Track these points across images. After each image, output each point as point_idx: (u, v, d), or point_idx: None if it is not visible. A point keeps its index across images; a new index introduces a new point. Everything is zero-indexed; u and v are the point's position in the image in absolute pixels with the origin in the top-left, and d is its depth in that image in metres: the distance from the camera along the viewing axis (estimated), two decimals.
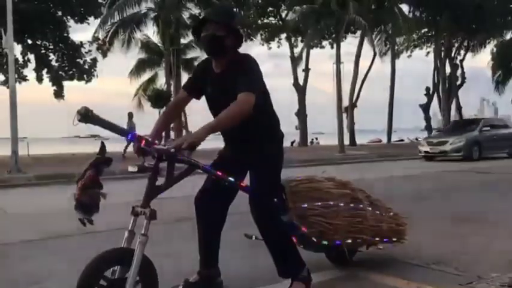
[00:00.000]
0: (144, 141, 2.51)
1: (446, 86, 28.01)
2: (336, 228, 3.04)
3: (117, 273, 2.37)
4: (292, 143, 35.64)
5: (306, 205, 3.04)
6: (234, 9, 3.16)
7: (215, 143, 4.65)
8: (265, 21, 31.12)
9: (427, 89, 35.28)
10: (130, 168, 2.45)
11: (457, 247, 4.04)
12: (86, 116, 2.29)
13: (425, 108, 35.75)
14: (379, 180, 9.89)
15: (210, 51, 2.81)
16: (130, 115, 18.25)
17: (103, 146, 2.50)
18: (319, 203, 3.07)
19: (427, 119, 36.48)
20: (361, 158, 18.03)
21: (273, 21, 31.55)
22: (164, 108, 22.97)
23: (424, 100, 35.46)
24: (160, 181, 2.51)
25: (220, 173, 2.78)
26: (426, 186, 8.86)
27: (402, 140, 44.04)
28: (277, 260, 2.89)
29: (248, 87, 2.58)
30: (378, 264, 3.50)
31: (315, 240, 3.02)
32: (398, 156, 18.77)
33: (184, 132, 20.78)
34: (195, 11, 23.55)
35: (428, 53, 34.97)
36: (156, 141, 2.66)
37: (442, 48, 27.36)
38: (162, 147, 2.45)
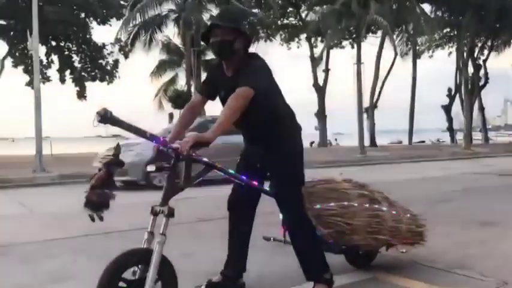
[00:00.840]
0: (162, 142, 2.54)
1: (469, 86, 27.53)
2: (354, 229, 3.02)
3: (138, 274, 2.40)
4: (311, 143, 35.53)
5: (323, 205, 3.03)
6: (246, 9, 3.15)
7: None
8: (285, 21, 31.09)
9: (449, 89, 34.84)
10: (149, 168, 2.50)
11: (481, 251, 3.98)
12: (105, 117, 2.32)
13: (447, 109, 35.29)
14: (400, 182, 9.80)
15: (220, 55, 2.85)
16: (171, 115, 18.67)
17: (118, 147, 2.53)
18: (337, 203, 3.05)
19: (449, 120, 36.02)
20: (382, 159, 17.86)
21: (293, 22, 31.49)
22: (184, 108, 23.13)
23: (446, 101, 35.02)
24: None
25: (237, 174, 2.82)
26: (447, 188, 8.74)
27: (423, 142, 43.49)
28: (303, 261, 2.90)
29: (246, 82, 2.62)
30: (399, 268, 3.47)
31: (332, 240, 3.01)
32: (420, 158, 18.55)
33: None
34: (216, 12, 23.64)
35: (450, 53, 34.55)
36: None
37: (465, 48, 26.89)
38: (177, 146, 2.47)
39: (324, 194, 3.09)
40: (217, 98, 2.99)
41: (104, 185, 2.46)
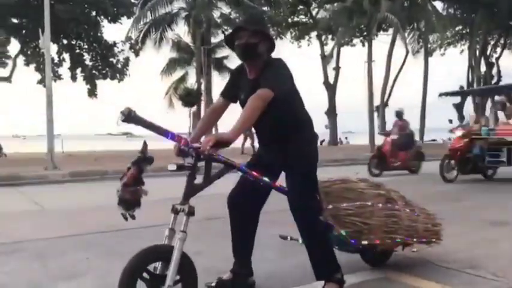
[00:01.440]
0: (183, 141, 2.57)
1: (481, 84, 27.27)
2: (371, 228, 3.03)
3: (159, 270, 2.43)
4: (321, 142, 35.44)
5: (340, 205, 3.04)
6: (262, 13, 3.19)
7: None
8: (296, 19, 31.03)
9: (461, 88, 34.52)
10: (170, 167, 2.53)
11: (492, 251, 3.95)
12: (129, 116, 2.36)
13: (459, 107, 34.99)
14: (411, 181, 9.75)
15: (245, 57, 2.88)
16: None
17: (145, 145, 2.56)
18: (354, 203, 3.06)
19: (461, 118, 35.71)
20: None
21: (304, 20, 31.41)
22: (195, 107, 23.27)
23: (458, 99, 34.72)
24: (198, 179, 2.57)
25: (255, 173, 2.82)
26: (459, 187, 8.67)
27: (435, 140, 43.16)
28: (314, 261, 2.89)
29: (266, 84, 2.64)
30: (411, 267, 3.45)
31: (350, 240, 3.00)
32: (431, 156, 18.39)
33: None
34: (226, 10, 23.68)
35: (462, 51, 34.22)
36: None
37: (477, 46, 26.68)
38: (196, 146, 2.54)
39: (340, 193, 3.12)
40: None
41: (136, 182, 2.50)
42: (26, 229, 5.25)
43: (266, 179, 2.83)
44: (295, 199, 2.82)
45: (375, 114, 24.55)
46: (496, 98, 11.53)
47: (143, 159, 2.52)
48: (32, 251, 4.21)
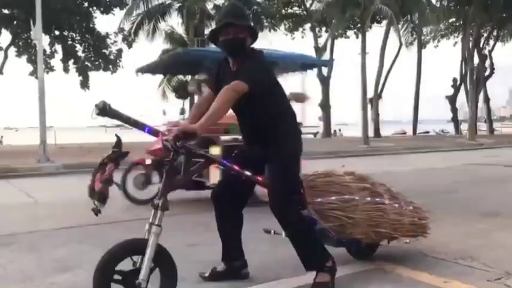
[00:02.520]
0: (160, 135, 2.54)
1: (474, 77, 27.37)
2: (355, 222, 3.03)
3: (138, 264, 2.42)
4: (315, 134, 35.47)
5: (324, 199, 3.03)
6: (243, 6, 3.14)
7: None
8: (290, 11, 30.91)
9: (454, 80, 34.65)
10: (147, 161, 2.51)
11: (485, 242, 3.98)
12: (104, 109, 2.33)
13: (452, 99, 35.13)
14: (404, 173, 9.80)
15: (232, 54, 2.86)
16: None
17: (119, 140, 2.52)
18: (338, 197, 3.05)
19: (454, 110, 35.87)
20: (386, 150, 17.82)
21: (297, 11, 31.31)
22: (187, 99, 23.19)
23: (451, 91, 34.85)
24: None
25: (237, 167, 2.80)
26: (452, 179, 8.73)
27: (428, 132, 43.38)
28: (300, 253, 2.89)
29: (242, 77, 2.63)
30: (404, 258, 3.47)
31: (333, 234, 3.00)
32: (424, 148, 18.51)
33: None
34: (219, 1, 23.53)
35: (455, 43, 34.29)
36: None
37: (471, 38, 26.67)
38: (166, 137, 2.48)
39: (324, 187, 3.10)
40: None
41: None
42: (20, 222, 5.24)
43: (248, 173, 2.81)
44: (274, 193, 2.79)
45: (369, 106, 24.57)
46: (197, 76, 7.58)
47: (119, 154, 2.49)
48: (26, 244, 4.20)
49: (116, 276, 2.38)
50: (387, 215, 3.16)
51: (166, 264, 2.48)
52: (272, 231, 3.30)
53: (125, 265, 2.43)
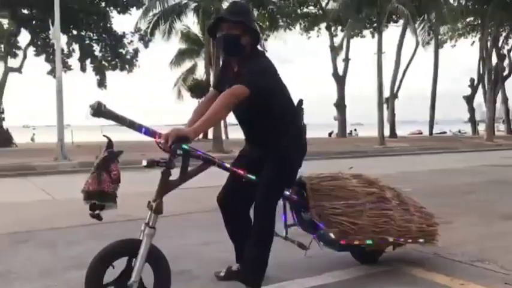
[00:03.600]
0: (157, 136, 2.49)
1: (492, 77, 26.98)
2: (359, 229, 2.94)
3: (126, 264, 2.41)
4: (330, 134, 35.36)
5: (327, 203, 2.95)
6: (248, 6, 3.01)
7: None
8: (305, 10, 30.83)
9: (472, 80, 34.22)
10: (143, 162, 2.44)
11: (502, 244, 3.93)
12: (99, 110, 2.28)
13: (470, 100, 34.69)
14: (420, 174, 9.71)
15: (226, 51, 2.80)
16: None
17: (110, 140, 2.45)
18: (342, 202, 2.96)
19: (471, 111, 35.42)
20: (402, 150, 17.68)
21: (313, 11, 31.21)
22: (202, 98, 23.25)
23: (468, 91, 34.42)
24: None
25: (235, 169, 2.78)
26: (469, 180, 8.62)
27: (444, 132, 42.95)
28: (248, 260, 2.79)
29: (243, 80, 2.55)
30: (419, 260, 3.45)
31: (335, 239, 2.93)
32: (441, 149, 18.32)
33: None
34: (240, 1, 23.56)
35: (473, 42, 33.85)
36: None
37: (489, 38, 26.31)
38: (160, 140, 2.43)
39: (329, 191, 3.01)
40: None
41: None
42: (38, 219, 5.32)
43: (250, 175, 2.77)
44: (261, 192, 2.73)
45: (384, 106, 24.40)
46: None
47: (116, 154, 2.44)
48: (44, 240, 4.27)
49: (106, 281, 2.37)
50: (394, 221, 3.06)
51: (158, 264, 2.47)
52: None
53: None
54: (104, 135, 2.50)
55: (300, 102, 12.92)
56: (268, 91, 2.69)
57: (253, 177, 2.78)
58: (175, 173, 2.49)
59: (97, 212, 2.41)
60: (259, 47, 2.85)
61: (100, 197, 2.37)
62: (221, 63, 3.06)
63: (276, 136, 2.79)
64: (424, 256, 3.53)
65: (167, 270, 2.50)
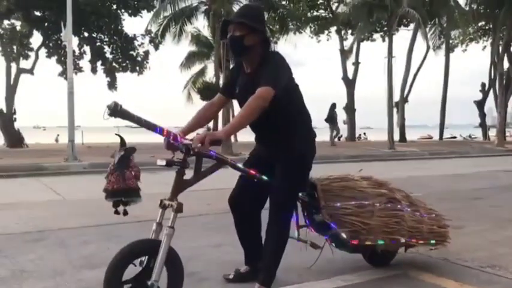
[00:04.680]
0: (172, 136, 2.53)
1: (504, 81, 26.75)
2: (370, 229, 2.95)
3: (145, 264, 2.44)
4: (339, 137, 35.23)
5: (338, 204, 2.97)
6: (260, 8, 3.04)
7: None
8: (315, 13, 30.81)
9: (483, 85, 33.96)
10: (159, 162, 2.49)
11: None
12: (115, 110, 2.31)
13: (480, 104, 34.43)
14: (430, 178, 9.66)
15: (233, 52, 2.84)
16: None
17: (122, 139, 2.54)
18: (353, 202, 2.98)
19: (482, 116, 35.15)
20: (412, 155, 17.57)
21: (323, 14, 31.18)
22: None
23: (479, 96, 34.16)
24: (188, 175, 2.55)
25: (247, 169, 2.81)
26: (480, 185, 8.56)
27: (455, 137, 42.60)
28: (266, 263, 2.83)
29: (267, 82, 2.57)
30: (428, 265, 3.44)
31: (347, 240, 2.94)
32: (451, 154, 18.20)
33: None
34: (246, 3, 23.64)
35: (485, 47, 33.61)
36: (184, 137, 2.67)
37: (500, 42, 26.09)
38: (188, 141, 2.48)
39: (340, 192, 3.03)
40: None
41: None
42: (49, 219, 5.37)
43: (264, 176, 2.80)
44: (277, 195, 2.77)
45: (394, 110, 24.29)
46: None
47: (130, 151, 2.51)
48: (56, 240, 4.31)
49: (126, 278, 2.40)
50: (404, 222, 3.07)
51: (174, 265, 2.50)
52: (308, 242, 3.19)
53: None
54: (116, 134, 2.58)
55: (334, 105, 13.02)
56: (287, 89, 2.74)
57: (265, 177, 2.82)
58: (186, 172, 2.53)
59: (122, 208, 2.51)
60: (274, 48, 2.89)
61: (127, 194, 2.47)
62: (231, 66, 3.10)
63: (290, 136, 2.82)
64: (433, 261, 3.52)
65: (181, 273, 2.53)
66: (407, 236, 3.09)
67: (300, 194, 3.01)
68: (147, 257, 2.44)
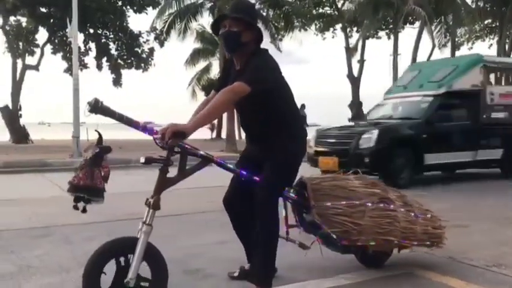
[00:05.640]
0: (148, 132, 2.50)
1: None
2: (362, 229, 2.89)
3: (125, 262, 2.43)
4: None
5: (329, 204, 2.91)
6: (253, 4, 3.00)
7: None
8: (321, 11, 30.72)
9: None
10: (141, 159, 2.46)
11: None
12: (96, 107, 2.31)
13: None
14: (435, 177, 9.62)
15: (227, 47, 2.80)
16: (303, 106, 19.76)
17: (100, 136, 2.49)
18: (343, 202, 2.92)
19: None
20: None
21: (329, 11, 31.10)
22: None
23: None
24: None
25: (234, 168, 2.78)
26: (484, 184, 8.53)
27: None
28: (261, 262, 2.77)
29: (244, 78, 2.53)
30: (434, 263, 3.43)
31: (337, 240, 2.91)
32: None
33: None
34: (251, 1, 23.61)
35: (491, 45, 33.43)
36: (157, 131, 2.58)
37: (507, 40, 25.97)
38: (157, 136, 2.44)
39: (331, 191, 2.97)
40: None
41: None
42: (54, 214, 5.39)
43: (244, 172, 2.76)
44: (261, 192, 2.69)
45: None
46: None
47: (105, 150, 2.45)
48: (60, 236, 4.33)
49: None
50: (397, 223, 3.00)
51: (156, 261, 2.48)
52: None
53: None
54: (95, 130, 2.52)
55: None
56: (270, 89, 2.66)
57: (254, 177, 2.75)
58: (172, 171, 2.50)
59: (82, 204, 2.46)
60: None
61: (91, 192, 2.40)
62: (224, 62, 3.04)
63: (278, 135, 2.77)
64: (439, 260, 3.50)
65: (165, 269, 2.51)
66: (400, 237, 3.03)
67: (288, 194, 2.95)
68: (132, 255, 2.41)
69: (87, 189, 2.40)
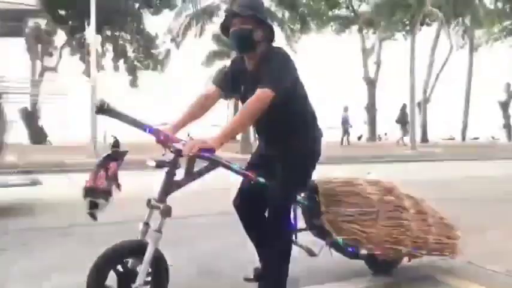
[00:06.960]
0: (163, 136, 2.46)
1: None
2: (372, 238, 2.82)
3: (130, 265, 2.41)
4: (359, 137, 34.96)
5: (340, 210, 2.84)
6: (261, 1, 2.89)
7: None
8: (337, 12, 30.63)
9: (508, 84, 33.35)
10: (149, 163, 2.39)
11: None
12: (102, 108, 2.29)
13: (505, 105, 33.83)
14: (453, 181, 9.53)
15: (239, 47, 2.65)
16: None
17: (116, 139, 2.44)
18: (355, 209, 2.85)
19: (506, 116, 34.52)
20: (434, 155, 17.35)
21: (345, 13, 30.98)
22: (231, 99, 23.49)
23: (504, 96, 33.57)
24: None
25: (244, 172, 2.69)
26: (504, 189, 8.42)
27: (477, 138, 41.86)
28: (265, 265, 2.73)
29: (267, 83, 2.40)
30: (453, 268, 3.40)
31: (346, 247, 2.88)
32: (474, 155, 17.90)
33: None
34: (267, 3, 23.63)
35: (510, 46, 32.98)
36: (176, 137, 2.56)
37: None
38: (178, 148, 2.38)
39: (343, 197, 2.90)
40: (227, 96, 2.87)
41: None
42: (76, 214, 5.45)
43: (261, 179, 2.65)
44: (275, 195, 2.62)
45: (416, 110, 24.02)
46: None
47: (120, 154, 2.42)
48: (80, 236, 4.41)
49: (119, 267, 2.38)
50: (410, 232, 2.94)
51: (160, 269, 2.43)
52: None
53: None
54: (111, 136, 2.48)
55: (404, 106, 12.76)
56: (291, 88, 2.58)
57: (262, 180, 2.66)
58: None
59: (93, 210, 2.38)
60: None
61: (92, 194, 2.34)
62: (232, 60, 2.90)
63: (298, 135, 2.69)
64: (457, 264, 3.47)
65: (167, 274, 2.46)
66: (412, 246, 2.97)
67: (298, 197, 2.88)
68: (131, 259, 2.40)
69: (90, 191, 2.35)
